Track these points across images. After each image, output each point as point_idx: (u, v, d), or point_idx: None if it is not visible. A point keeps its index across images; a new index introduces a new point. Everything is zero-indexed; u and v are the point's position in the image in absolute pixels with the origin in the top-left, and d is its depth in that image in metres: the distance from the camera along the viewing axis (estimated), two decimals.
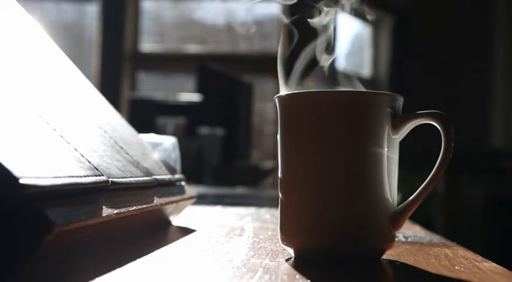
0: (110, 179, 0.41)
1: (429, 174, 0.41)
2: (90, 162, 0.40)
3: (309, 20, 0.44)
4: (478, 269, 0.39)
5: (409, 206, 0.41)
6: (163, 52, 3.58)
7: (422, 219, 1.48)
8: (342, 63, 3.52)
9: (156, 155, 0.64)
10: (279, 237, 0.43)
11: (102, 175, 0.40)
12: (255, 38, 3.61)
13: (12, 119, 0.36)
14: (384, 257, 0.42)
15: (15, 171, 0.29)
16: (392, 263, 0.41)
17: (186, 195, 0.62)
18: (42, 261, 0.31)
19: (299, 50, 0.45)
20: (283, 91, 0.44)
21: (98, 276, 0.32)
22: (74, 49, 3.52)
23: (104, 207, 0.38)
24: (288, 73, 0.45)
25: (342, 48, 3.61)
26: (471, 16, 3.47)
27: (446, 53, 3.42)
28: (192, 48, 3.58)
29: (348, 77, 0.46)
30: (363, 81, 0.44)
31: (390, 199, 0.41)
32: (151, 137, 0.71)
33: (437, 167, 0.41)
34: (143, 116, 2.46)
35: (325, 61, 0.45)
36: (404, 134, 0.42)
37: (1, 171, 0.29)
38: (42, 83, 0.49)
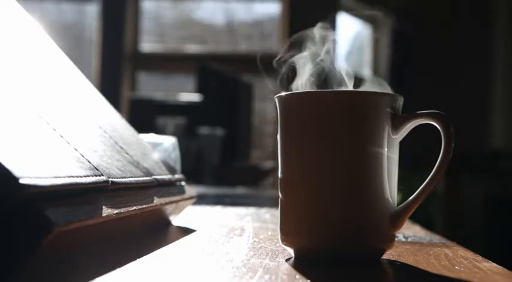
0: (110, 179, 0.41)
1: (429, 174, 0.41)
2: (90, 162, 0.40)
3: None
4: (478, 269, 0.39)
5: (409, 206, 0.41)
6: (163, 52, 3.59)
7: (422, 219, 1.48)
8: (342, 64, 3.52)
9: (156, 155, 0.64)
10: (279, 237, 0.43)
11: (102, 175, 0.40)
12: (255, 38, 3.61)
13: (12, 119, 0.36)
14: (384, 257, 0.42)
15: (15, 171, 0.29)
16: (392, 263, 0.41)
17: (186, 195, 0.62)
18: (42, 261, 0.31)
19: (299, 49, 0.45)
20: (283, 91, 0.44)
21: (98, 276, 0.32)
22: (74, 49, 3.52)
23: (104, 207, 0.38)
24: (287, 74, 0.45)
25: (342, 48, 3.61)
26: (471, 16, 3.48)
27: (446, 53, 3.42)
28: (192, 48, 3.58)
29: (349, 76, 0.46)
30: (363, 81, 0.44)
31: (390, 199, 0.41)
32: (151, 137, 0.71)
33: (437, 167, 0.41)
34: (143, 116, 2.46)
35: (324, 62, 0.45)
36: (404, 134, 0.42)
37: (1, 171, 0.29)
38: (42, 83, 0.49)
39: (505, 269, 0.39)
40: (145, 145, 0.64)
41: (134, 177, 0.48)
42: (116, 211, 0.39)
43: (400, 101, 0.42)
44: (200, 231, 0.56)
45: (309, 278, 0.34)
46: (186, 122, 2.35)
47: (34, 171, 0.31)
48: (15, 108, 0.38)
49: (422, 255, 0.44)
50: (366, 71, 3.64)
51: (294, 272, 0.36)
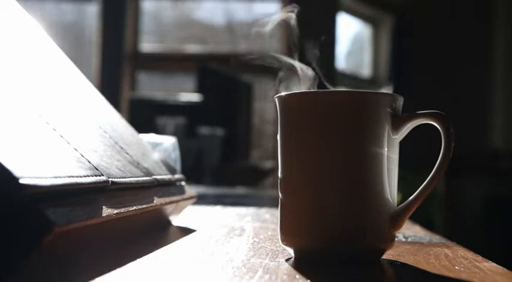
0: (110, 179, 0.41)
1: (429, 174, 0.41)
2: (90, 162, 0.40)
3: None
4: (478, 269, 0.39)
5: (409, 206, 0.41)
6: (163, 52, 3.59)
7: (422, 219, 1.48)
8: (342, 64, 3.52)
9: (156, 155, 0.64)
10: (279, 237, 0.43)
11: (102, 175, 0.40)
12: (255, 38, 3.61)
13: (12, 119, 0.36)
14: (384, 257, 0.42)
15: (15, 171, 0.29)
16: (392, 263, 0.41)
17: (186, 195, 0.62)
18: (42, 261, 0.31)
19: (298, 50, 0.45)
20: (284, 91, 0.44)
21: (98, 276, 0.32)
22: (74, 49, 3.52)
23: (104, 207, 0.38)
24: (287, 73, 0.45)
25: (342, 48, 3.61)
26: (471, 16, 3.48)
27: (446, 53, 3.42)
28: (192, 48, 3.58)
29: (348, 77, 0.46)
30: (363, 81, 0.44)
31: (390, 199, 0.41)
32: (151, 137, 0.71)
33: (437, 167, 0.41)
34: (143, 116, 2.46)
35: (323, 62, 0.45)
36: (405, 134, 0.42)
37: (1, 171, 0.29)
38: (42, 83, 0.49)
39: (505, 269, 0.39)
40: (145, 145, 0.64)
41: (134, 177, 0.48)
42: (116, 211, 0.39)
43: (400, 101, 0.42)
44: (200, 231, 0.56)
45: (309, 278, 0.34)
46: (186, 122, 2.35)
47: (34, 171, 0.31)
48: (15, 108, 0.38)
49: (422, 255, 0.44)
50: (366, 71, 3.64)
51: (294, 272, 0.36)
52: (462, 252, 0.46)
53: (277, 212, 0.44)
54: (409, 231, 0.61)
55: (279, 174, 0.43)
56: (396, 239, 0.43)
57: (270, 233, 0.55)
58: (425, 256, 0.44)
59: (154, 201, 0.50)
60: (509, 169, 3.11)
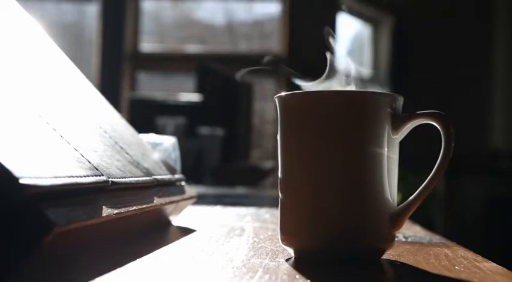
0: (110, 179, 0.41)
1: (429, 174, 0.41)
2: (90, 162, 0.40)
3: None
4: (478, 269, 0.39)
5: (409, 206, 0.41)
6: (163, 52, 3.59)
7: (422, 219, 1.48)
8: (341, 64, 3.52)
9: (156, 155, 0.64)
10: (279, 237, 0.43)
11: (102, 175, 0.40)
12: (255, 38, 3.61)
13: (12, 119, 0.36)
14: (384, 257, 0.42)
15: (15, 171, 0.29)
16: (392, 263, 0.41)
17: (186, 195, 0.62)
18: (42, 261, 0.31)
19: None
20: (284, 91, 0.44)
21: (98, 276, 0.32)
22: (74, 49, 3.52)
23: (104, 207, 0.38)
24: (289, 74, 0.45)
25: (342, 48, 3.61)
26: (471, 16, 3.48)
27: (446, 53, 3.42)
28: (192, 48, 3.58)
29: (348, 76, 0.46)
30: (363, 81, 0.44)
31: (390, 199, 0.41)
32: (151, 137, 0.71)
33: (437, 167, 0.41)
34: (143, 116, 2.46)
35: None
36: (405, 134, 0.42)
37: (1, 171, 0.29)
38: (42, 83, 0.49)
39: (505, 269, 0.39)
40: (145, 145, 0.64)
41: (134, 177, 0.48)
42: (116, 211, 0.39)
43: (400, 101, 0.42)
44: (200, 231, 0.56)
45: (309, 278, 0.34)
46: (186, 122, 2.35)
47: (34, 171, 0.31)
48: (15, 108, 0.38)
49: (422, 255, 0.44)
50: (366, 71, 3.64)
51: (294, 272, 0.36)
52: (462, 252, 0.46)
53: (277, 212, 0.44)
54: (409, 231, 0.61)
55: (279, 174, 0.43)
56: (396, 239, 0.43)
57: (270, 233, 0.55)
58: (425, 256, 0.44)
59: (154, 201, 0.50)
60: (509, 169, 3.11)
